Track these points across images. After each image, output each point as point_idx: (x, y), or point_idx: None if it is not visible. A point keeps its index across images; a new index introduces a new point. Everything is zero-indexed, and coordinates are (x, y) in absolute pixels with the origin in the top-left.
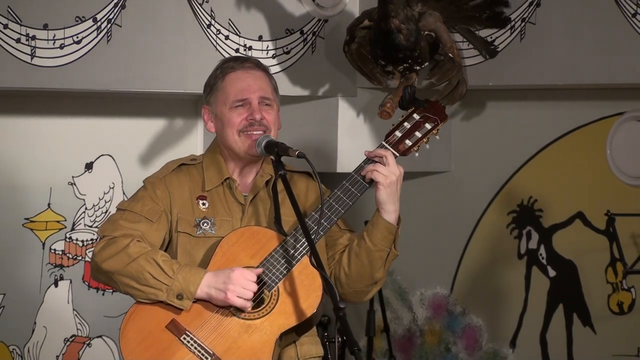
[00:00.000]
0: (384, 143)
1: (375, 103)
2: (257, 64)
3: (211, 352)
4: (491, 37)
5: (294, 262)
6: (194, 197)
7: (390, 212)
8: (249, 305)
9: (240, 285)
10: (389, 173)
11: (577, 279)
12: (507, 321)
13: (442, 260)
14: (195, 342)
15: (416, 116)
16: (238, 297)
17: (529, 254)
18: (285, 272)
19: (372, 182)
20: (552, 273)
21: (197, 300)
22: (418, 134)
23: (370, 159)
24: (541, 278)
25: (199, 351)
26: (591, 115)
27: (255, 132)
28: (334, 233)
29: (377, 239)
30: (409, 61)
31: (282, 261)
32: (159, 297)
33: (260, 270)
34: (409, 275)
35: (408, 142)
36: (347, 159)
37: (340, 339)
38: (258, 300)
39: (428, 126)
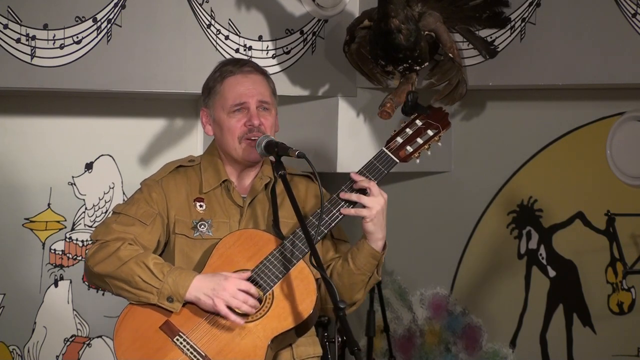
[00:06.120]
0: (384, 149)
1: (375, 103)
2: (255, 68)
3: (203, 354)
4: (491, 37)
5: (289, 265)
6: (191, 199)
7: (377, 240)
8: (234, 318)
9: (230, 294)
10: (373, 204)
11: (577, 279)
12: (507, 321)
13: (442, 260)
14: (188, 343)
15: (418, 122)
16: (227, 306)
17: (528, 254)
18: (280, 275)
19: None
20: (552, 273)
21: (191, 303)
22: (419, 141)
23: (355, 181)
24: (541, 278)
25: (191, 352)
26: (591, 115)
27: (254, 139)
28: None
29: (361, 263)
30: (409, 61)
31: (278, 264)
32: (150, 300)
33: (248, 274)
34: (409, 275)
35: (409, 149)
36: (347, 159)
37: (340, 339)
38: None
39: (430, 133)
